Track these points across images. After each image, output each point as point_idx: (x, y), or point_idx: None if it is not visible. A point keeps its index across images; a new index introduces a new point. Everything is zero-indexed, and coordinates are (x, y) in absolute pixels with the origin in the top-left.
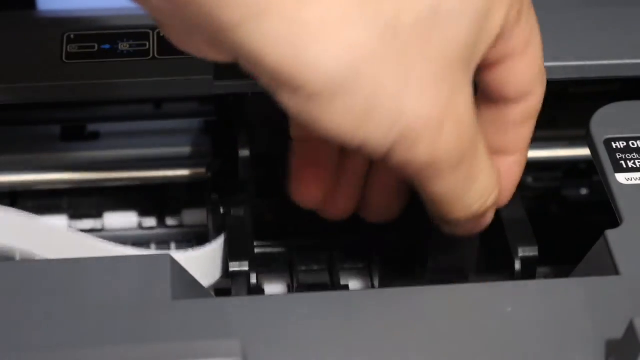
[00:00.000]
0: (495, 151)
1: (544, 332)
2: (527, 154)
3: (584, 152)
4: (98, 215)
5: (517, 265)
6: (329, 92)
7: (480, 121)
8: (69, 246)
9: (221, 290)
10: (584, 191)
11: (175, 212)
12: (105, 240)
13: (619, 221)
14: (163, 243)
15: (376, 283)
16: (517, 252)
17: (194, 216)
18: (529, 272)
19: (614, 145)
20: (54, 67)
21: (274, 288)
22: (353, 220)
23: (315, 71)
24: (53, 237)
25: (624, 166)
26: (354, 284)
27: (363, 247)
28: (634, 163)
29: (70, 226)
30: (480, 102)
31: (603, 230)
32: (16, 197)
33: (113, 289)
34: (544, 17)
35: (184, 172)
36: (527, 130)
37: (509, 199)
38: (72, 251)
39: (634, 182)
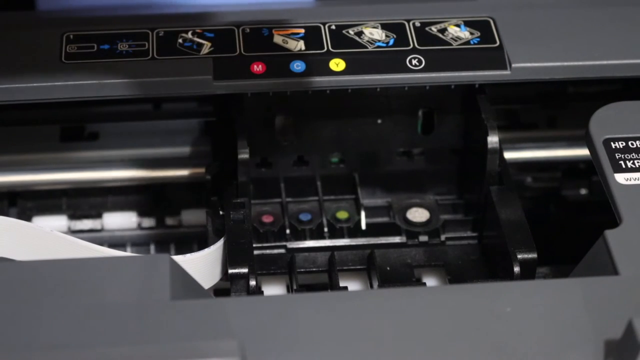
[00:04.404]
0: None
1: (543, 332)
2: None
3: (583, 152)
4: (97, 215)
5: (516, 269)
6: None
7: None
8: (57, 249)
9: (220, 290)
10: (583, 191)
11: (174, 213)
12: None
13: (618, 221)
14: (162, 243)
15: (375, 285)
16: (515, 256)
17: (193, 216)
18: (527, 275)
19: (613, 145)
20: (53, 67)
21: (273, 289)
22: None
23: None
24: (41, 241)
25: (623, 166)
26: (353, 285)
27: (362, 249)
28: (633, 163)
29: (69, 227)
30: None
31: (602, 230)
32: (16, 197)
33: (112, 290)
34: (545, 17)
35: (183, 172)
36: None
37: None
38: (60, 254)
39: (633, 182)
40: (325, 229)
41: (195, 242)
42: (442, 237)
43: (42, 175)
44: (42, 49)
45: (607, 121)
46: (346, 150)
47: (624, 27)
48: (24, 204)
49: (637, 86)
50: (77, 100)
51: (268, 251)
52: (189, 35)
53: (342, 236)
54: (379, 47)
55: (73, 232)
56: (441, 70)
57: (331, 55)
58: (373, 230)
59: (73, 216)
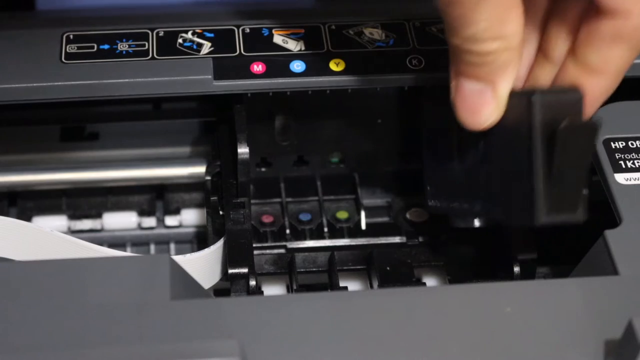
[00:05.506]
0: (585, 67)
1: (543, 332)
2: (616, 81)
3: None
4: (97, 215)
5: (516, 269)
6: None
7: (578, 33)
8: (57, 249)
9: (220, 290)
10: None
11: (175, 212)
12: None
13: (618, 221)
14: (162, 243)
15: (375, 285)
16: (516, 256)
17: (193, 216)
18: (527, 275)
19: (613, 145)
20: (53, 68)
21: (273, 289)
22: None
23: None
24: (41, 241)
25: (623, 166)
26: (353, 285)
27: (362, 249)
28: (633, 163)
29: (69, 227)
30: (582, 13)
31: (602, 230)
32: (16, 197)
33: (112, 290)
34: None
35: (183, 172)
36: (617, 52)
37: (587, 117)
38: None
39: (633, 182)
40: (325, 229)
41: (195, 242)
42: (442, 237)
43: (42, 175)
44: (42, 49)
45: (607, 121)
46: (346, 150)
47: None
48: (24, 204)
49: (637, 86)
50: (77, 100)
51: (268, 251)
52: (189, 35)
53: (342, 236)
54: (379, 47)
55: (73, 232)
56: (441, 70)
57: (331, 55)
58: (373, 230)
59: (73, 216)
